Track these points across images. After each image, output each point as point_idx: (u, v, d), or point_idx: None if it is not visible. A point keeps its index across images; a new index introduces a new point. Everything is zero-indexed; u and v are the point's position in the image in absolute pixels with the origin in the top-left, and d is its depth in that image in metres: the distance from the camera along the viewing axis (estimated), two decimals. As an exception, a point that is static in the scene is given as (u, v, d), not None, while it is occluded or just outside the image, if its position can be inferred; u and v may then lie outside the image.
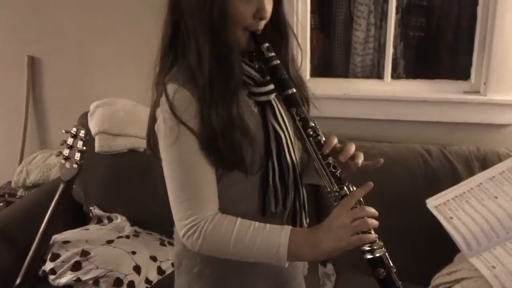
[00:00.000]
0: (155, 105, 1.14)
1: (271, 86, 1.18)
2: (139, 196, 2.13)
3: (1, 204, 2.28)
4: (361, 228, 1.05)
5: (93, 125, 2.20)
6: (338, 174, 1.11)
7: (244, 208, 1.18)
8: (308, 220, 1.30)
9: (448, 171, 1.95)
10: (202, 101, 1.09)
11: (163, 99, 1.10)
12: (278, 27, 1.19)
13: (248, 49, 1.16)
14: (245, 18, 1.10)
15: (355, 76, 2.56)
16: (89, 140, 2.14)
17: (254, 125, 1.16)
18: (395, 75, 2.44)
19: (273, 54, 1.13)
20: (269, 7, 1.12)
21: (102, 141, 2.18)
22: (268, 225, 1.11)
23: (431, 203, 1.77)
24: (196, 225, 1.11)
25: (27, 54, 2.63)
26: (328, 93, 2.25)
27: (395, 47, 2.44)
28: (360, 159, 1.13)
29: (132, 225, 2.12)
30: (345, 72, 2.61)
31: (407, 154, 2.01)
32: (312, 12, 2.30)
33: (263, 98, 1.19)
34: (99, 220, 2.17)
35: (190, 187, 1.12)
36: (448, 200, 1.77)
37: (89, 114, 2.27)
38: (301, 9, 2.21)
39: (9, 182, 2.56)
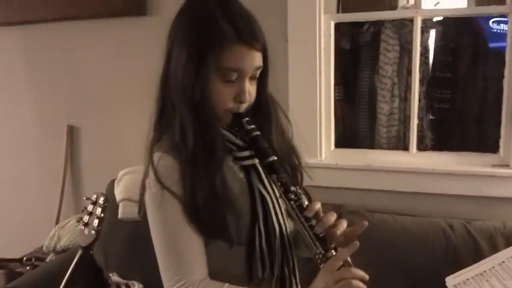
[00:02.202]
0: (145, 174, 1.18)
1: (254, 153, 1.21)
2: (157, 264, 2.13)
3: (28, 267, 2.34)
4: None
5: (118, 192, 2.26)
6: (322, 236, 1.10)
7: (231, 274, 1.18)
8: (300, 287, 1.27)
9: (471, 247, 1.85)
10: (185, 170, 1.12)
11: (150, 167, 1.14)
12: (261, 106, 1.23)
13: (232, 126, 1.20)
14: (226, 101, 1.15)
15: (381, 147, 2.54)
16: (113, 206, 2.20)
17: (240, 190, 1.19)
18: (422, 147, 2.40)
19: (252, 126, 1.17)
20: (251, 90, 1.17)
21: (125, 208, 2.22)
22: None
23: (451, 281, 1.70)
24: None
25: (67, 123, 2.77)
26: (352, 164, 2.24)
27: (421, 119, 2.41)
28: (341, 227, 1.12)
29: (148, 293, 2.12)
30: (370, 143, 2.59)
31: (428, 229, 1.94)
32: (336, 84, 2.32)
33: (247, 162, 1.22)
34: (118, 287, 2.19)
35: (176, 252, 1.14)
36: (468, 279, 1.70)
37: (116, 181, 2.33)
38: (324, 81, 2.23)
39: (42, 246, 2.63)
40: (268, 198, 1.21)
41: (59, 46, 2.69)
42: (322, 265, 1.09)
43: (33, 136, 2.88)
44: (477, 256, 1.79)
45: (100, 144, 2.74)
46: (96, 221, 1.89)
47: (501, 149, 2.11)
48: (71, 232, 2.52)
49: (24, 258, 2.41)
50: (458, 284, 1.69)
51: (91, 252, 1.93)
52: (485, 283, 1.66)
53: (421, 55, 2.25)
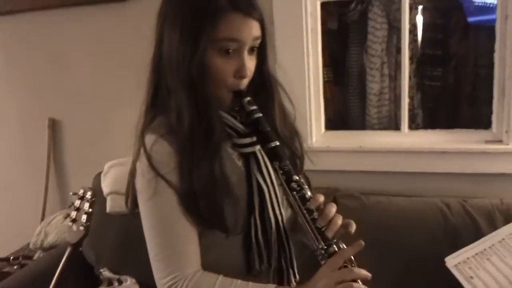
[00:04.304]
0: (135, 159, 1.12)
1: (255, 137, 1.15)
2: (149, 258, 2.08)
3: (15, 267, 2.27)
4: None
5: (106, 185, 2.19)
6: (324, 230, 1.05)
7: (228, 266, 1.13)
8: (298, 278, 1.24)
9: (469, 226, 1.83)
10: (182, 155, 1.06)
11: (141, 151, 1.08)
12: (263, 84, 1.17)
13: (233, 106, 1.14)
14: (226, 77, 1.08)
15: (372, 128, 2.51)
16: (101, 200, 2.14)
17: (237, 179, 1.13)
18: (413, 126, 2.37)
19: (254, 107, 1.11)
20: (251, 65, 1.11)
21: (113, 201, 2.16)
22: (250, 283, 1.07)
23: (451, 261, 1.68)
24: (175, 283, 1.07)
25: (48, 116, 2.68)
26: (343, 146, 2.21)
27: (411, 98, 2.38)
28: (339, 221, 1.08)
29: (141, 287, 2.07)
30: (361, 124, 2.56)
31: (426, 209, 1.91)
32: (325, 65, 2.27)
33: (248, 150, 1.16)
34: (109, 283, 2.12)
35: (169, 243, 1.09)
36: (468, 258, 1.68)
37: (102, 174, 2.27)
38: (312, 63, 2.18)
39: (29, 244, 2.56)
40: (266, 189, 1.16)
41: (37, 36, 2.61)
42: (323, 262, 1.05)
43: (14, 130, 2.80)
44: (476, 234, 1.77)
45: (84, 137, 2.67)
46: (84, 217, 1.84)
47: (494, 125, 2.08)
48: (58, 228, 2.46)
49: (11, 257, 2.34)
50: (459, 263, 1.66)
51: (80, 249, 1.86)
52: (486, 261, 1.64)
53: (410, 32, 2.22)
